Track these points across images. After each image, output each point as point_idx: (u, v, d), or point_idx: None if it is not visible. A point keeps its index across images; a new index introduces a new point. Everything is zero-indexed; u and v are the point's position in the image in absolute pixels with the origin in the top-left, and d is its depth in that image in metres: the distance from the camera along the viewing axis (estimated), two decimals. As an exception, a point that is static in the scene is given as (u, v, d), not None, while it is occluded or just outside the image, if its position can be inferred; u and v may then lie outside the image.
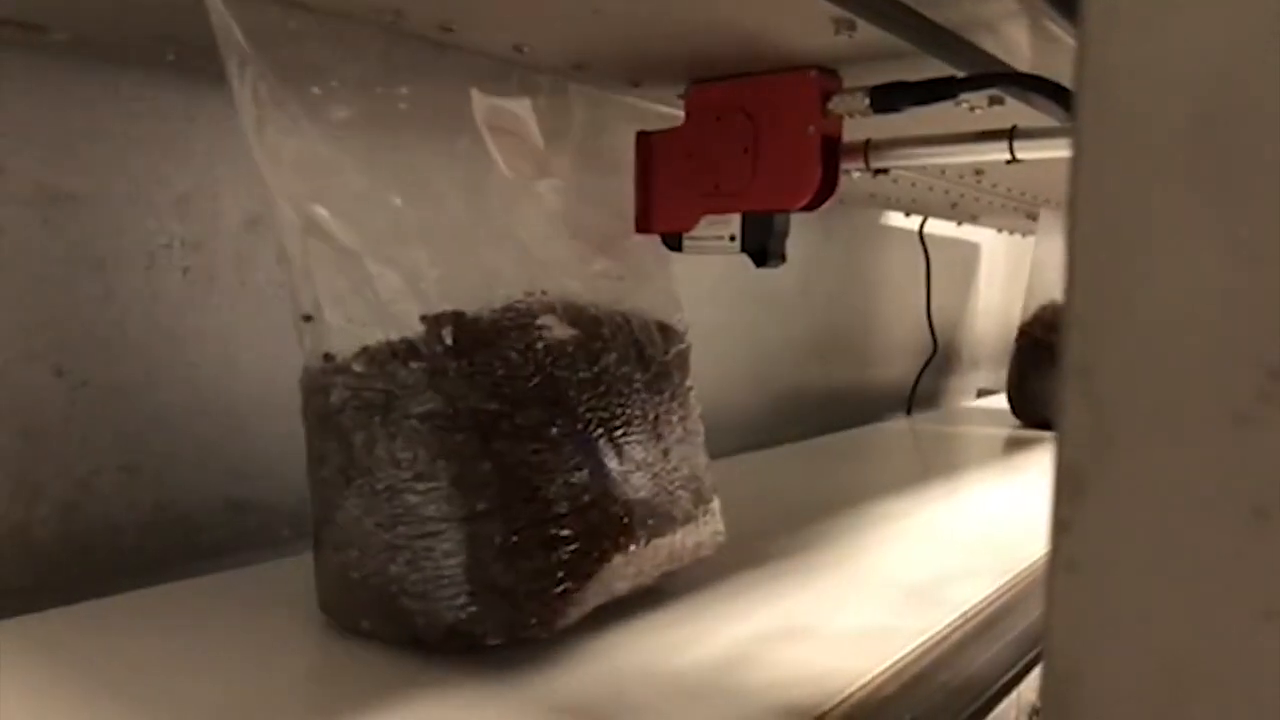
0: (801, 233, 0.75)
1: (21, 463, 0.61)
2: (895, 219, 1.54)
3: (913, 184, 1.13)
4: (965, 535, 0.83)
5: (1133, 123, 0.17)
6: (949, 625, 0.60)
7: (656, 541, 0.57)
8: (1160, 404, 0.17)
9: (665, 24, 0.52)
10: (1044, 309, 1.48)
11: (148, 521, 0.68)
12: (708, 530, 0.63)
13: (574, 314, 0.56)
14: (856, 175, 0.67)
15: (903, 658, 0.55)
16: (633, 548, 0.55)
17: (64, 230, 0.62)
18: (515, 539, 0.49)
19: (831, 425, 1.41)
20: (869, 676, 0.52)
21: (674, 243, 0.67)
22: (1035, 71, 0.55)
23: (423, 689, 0.48)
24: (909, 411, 1.60)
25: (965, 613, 0.62)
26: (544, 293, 0.55)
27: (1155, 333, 0.17)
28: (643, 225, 0.68)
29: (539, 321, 0.53)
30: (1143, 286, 0.17)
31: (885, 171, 0.67)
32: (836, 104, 0.58)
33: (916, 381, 1.62)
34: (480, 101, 0.56)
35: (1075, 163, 0.18)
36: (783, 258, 0.64)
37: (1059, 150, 0.61)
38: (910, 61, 0.55)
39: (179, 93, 0.67)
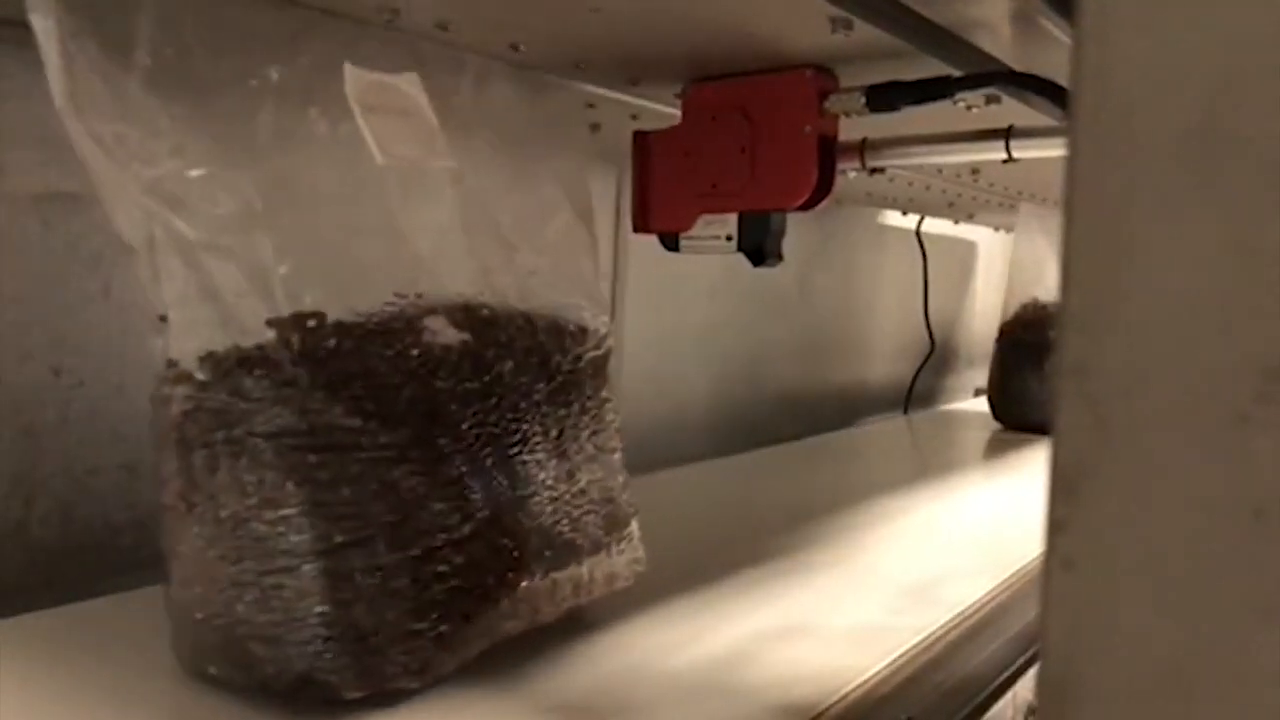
0: (798, 232, 0.75)
1: (19, 462, 0.61)
2: (892, 218, 1.54)
3: (909, 183, 1.13)
4: (962, 534, 0.83)
5: (1129, 122, 0.17)
6: (946, 624, 0.60)
7: (556, 575, 0.51)
8: (1157, 404, 0.17)
9: (663, 23, 0.52)
10: (1025, 308, 1.44)
11: (146, 521, 0.68)
12: (623, 560, 0.56)
13: (464, 316, 0.49)
14: (853, 174, 0.67)
15: (899, 657, 0.55)
16: (526, 583, 0.49)
17: (61, 227, 0.62)
18: (380, 575, 0.43)
19: (829, 424, 1.41)
20: (866, 675, 0.52)
21: (671, 242, 0.67)
22: (1032, 70, 0.56)
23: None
24: (906, 410, 1.60)
25: (962, 612, 0.62)
26: (419, 295, 0.47)
27: (1152, 333, 0.17)
28: (640, 225, 0.68)
29: (424, 324, 0.47)
30: (1139, 286, 0.17)
31: (881, 171, 0.67)
32: (833, 103, 0.58)
33: (914, 380, 1.62)
34: (355, 77, 0.48)
35: (1071, 162, 0.18)
36: (780, 257, 0.64)
37: (1056, 149, 0.61)
38: (907, 61, 0.55)
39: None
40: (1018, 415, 1.40)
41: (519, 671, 0.50)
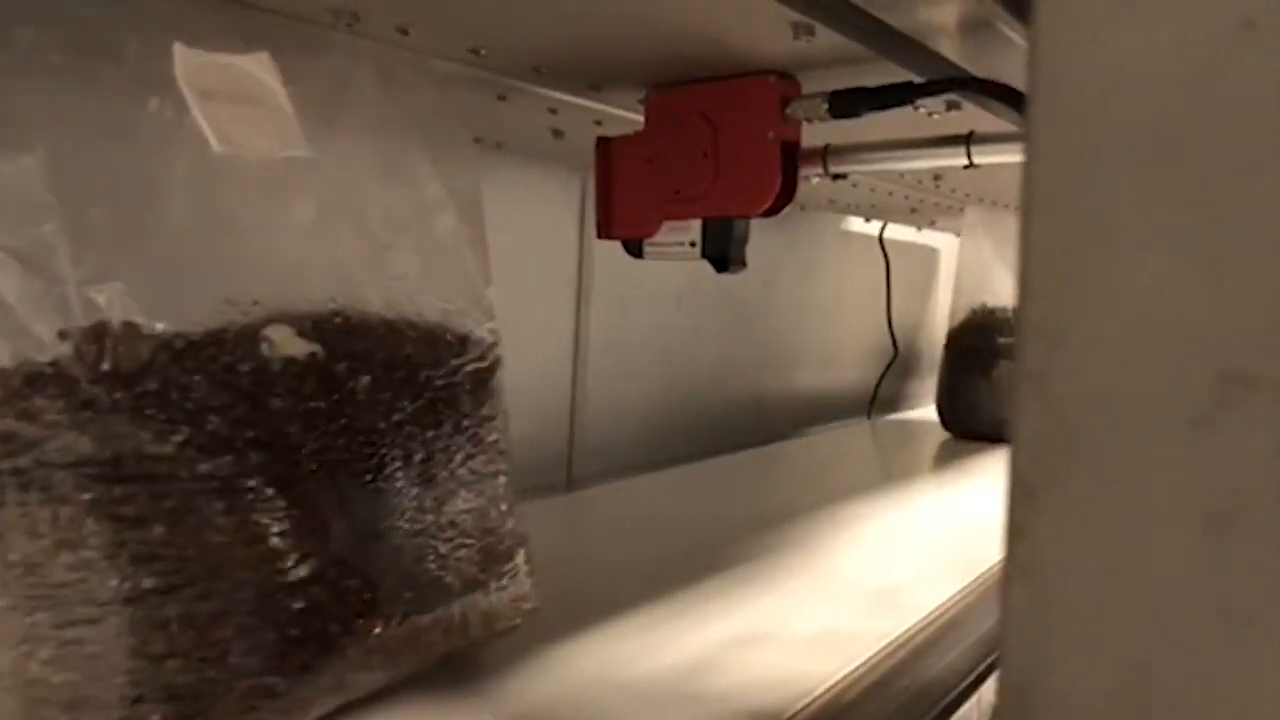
0: (762, 238, 0.75)
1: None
2: (856, 224, 1.55)
3: (872, 189, 1.14)
4: (924, 539, 0.83)
5: (1086, 127, 0.17)
6: (910, 629, 0.60)
7: (419, 620, 0.45)
8: (1116, 409, 0.17)
9: (625, 28, 0.51)
10: (974, 313, 1.39)
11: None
12: (504, 597, 0.50)
13: (313, 325, 0.44)
14: (816, 180, 0.67)
15: (864, 662, 0.55)
16: (379, 630, 0.43)
17: None
18: (199, 626, 0.38)
19: (795, 429, 1.41)
20: (831, 681, 0.52)
21: (635, 249, 0.67)
22: (992, 76, 0.56)
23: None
24: (870, 415, 1.61)
25: (926, 616, 0.63)
26: (256, 302, 0.42)
27: (1111, 338, 0.17)
28: (604, 231, 0.68)
29: (263, 335, 0.41)
30: (1098, 291, 0.17)
31: (844, 176, 0.67)
32: (795, 109, 0.58)
33: (878, 385, 1.63)
34: (188, 58, 0.41)
35: (1028, 167, 0.18)
36: (743, 263, 0.64)
37: (1016, 155, 0.61)
38: (869, 67, 0.55)
39: None
40: (968, 423, 1.36)
41: (480, 680, 0.50)
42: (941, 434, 1.40)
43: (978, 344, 1.36)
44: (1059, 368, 0.17)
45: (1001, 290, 1.37)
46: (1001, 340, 1.33)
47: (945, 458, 1.28)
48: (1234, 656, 0.16)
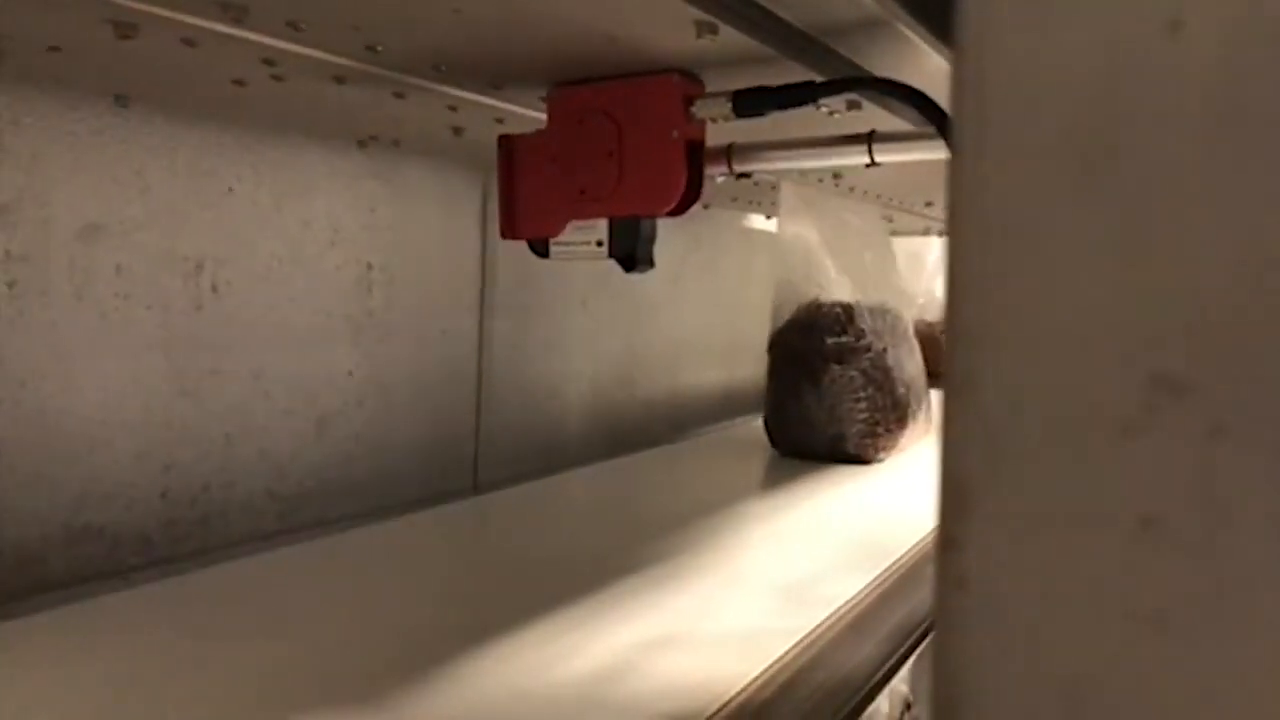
0: (668, 235, 0.75)
1: None
2: (758, 221, 1.56)
3: (773, 186, 1.15)
4: (832, 532, 0.84)
5: (1011, 130, 0.17)
6: (821, 624, 0.61)
7: None
8: (1048, 416, 0.17)
9: (525, 25, 0.50)
10: (802, 311, 1.17)
11: (-25, 557, 0.62)
12: None
13: None
14: (721, 179, 0.67)
15: (779, 659, 0.55)
16: None
17: None
18: None
19: (702, 425, 1.42)
20: (746, 680, 0.52)
21: (541, 249, 0.66)
22: (891, 76, 0.56)
23: None
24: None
25: (837, 610, 0.63)
26: None
27: (1040, 344, 0.17)
28: (507, 231, 0.66)
29: None
30: (1026, 297, 0.17)
31: (749, 175, 0.67)
32: (699, 108, 0.58)
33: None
34: None
35: (954, 173, 0.17)
36: (651, 263, 0.64)
37: (916, 153, 0.62)
38: (772, 65, 0.55)
39: (1, 94, 0.62)
40: (797, 440, 1.16)
41: (389, 691, 0.48)
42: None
43: (806, 347, 1.14)
44: (987, 374, 0.17)
45: (828, 283, 1.18)
46: (830, 341, 1.13)
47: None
48: (1167, 663, 0.16)
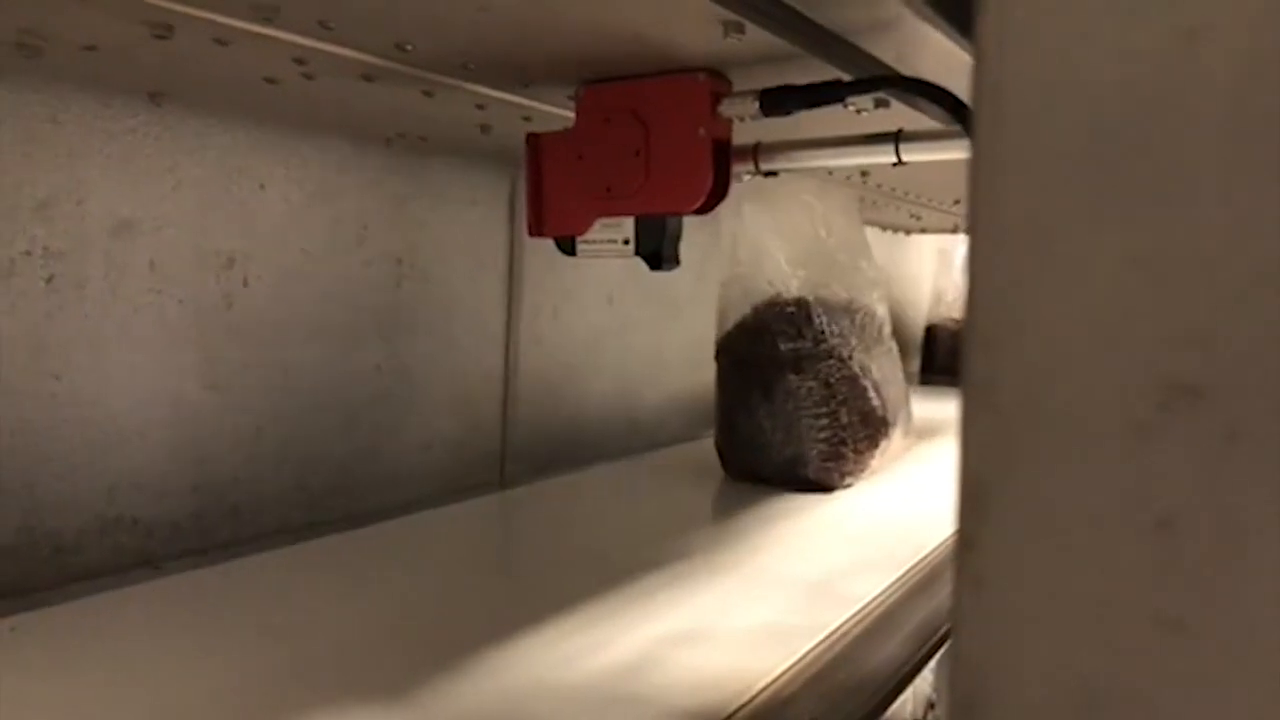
0: (693, 232, 0.75)
1: None
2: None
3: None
4: (855, 530, 0.84)
5: (1029, 135, 0.17)
6: (845, 621, 0.61)
7: None
8: (1063, 417, 0.17)
9: (554, 24, 0.51)
10: (756, 311, 0.99)
11: (11, 545, 0.64)
12: None
13: None
14: (747, 178, 0.68)
15: (802, 656, 0.55)
16: None
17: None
18: None
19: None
20: (771, 676, 0.52)
21: (568, 246, 0.66)
22: (919, 75, 0.56)
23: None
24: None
25: (861, 608, 0.63)
26: None
27: (1056, 346, 0.17)
28: (535, 229, 0.67)
29: None
30: (1043, 299, 0.17)
31: (775, 174, 0.67)
32: (726, 107, 0.58)
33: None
34: None
35: (973, 176, 0.17)
36: (677, 261, 0.64)
37: (944, 153, 0.62)
38: (798, 64, 0.55)
39: (38, 92, 0.63)
40: (748, 462, 0.98)
41: (417, 683, 0.49)
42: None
43: (756, 354, 0.97)
44: (1005, 376, 0.17)
45: (781, 278, 0.98)
46: (785, 347, 0.96)
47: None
48: (1183, 665, 0.16)
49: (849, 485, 0.98)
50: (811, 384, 0.95)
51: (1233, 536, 0.16)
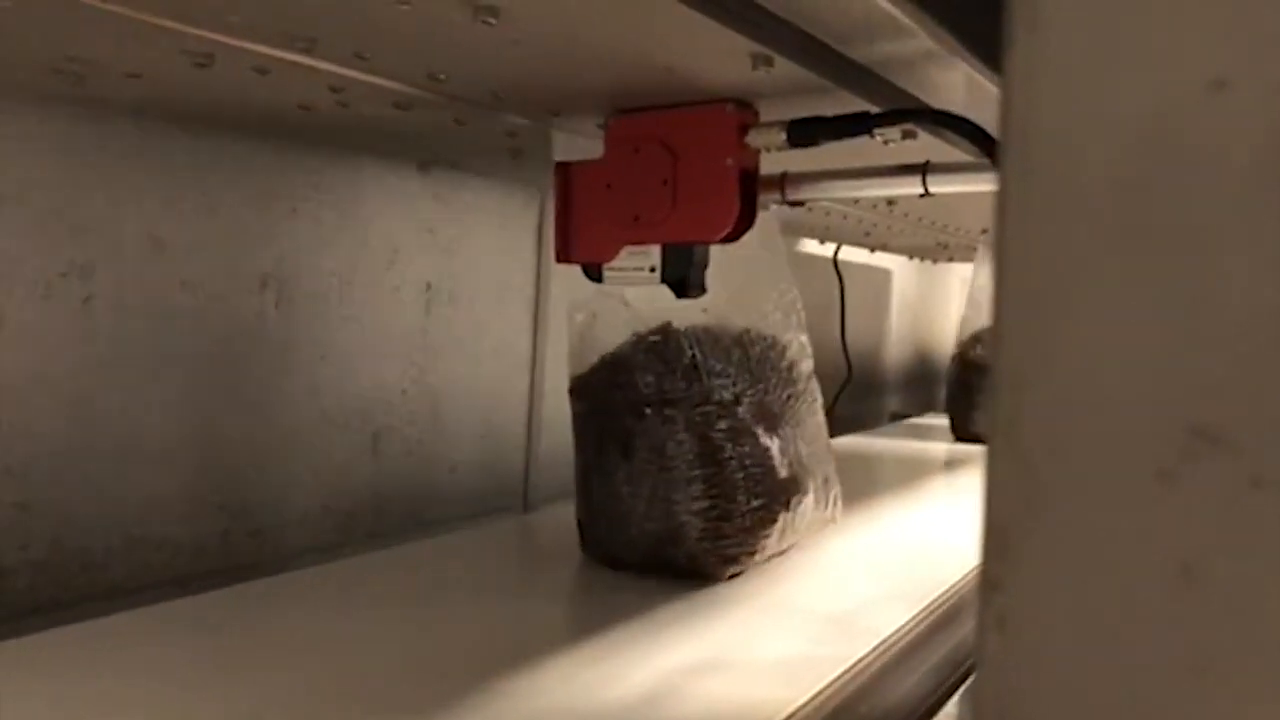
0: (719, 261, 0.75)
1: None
2: (810, 245, 1.56)
3: (827, 213, 1.15)
4: (878, 562, 0.83)
5: (1057, 178, 0.17)
6: (868, 654, 0.60)
7: None
8: (1087, 461, 0.17)
9: (584, 56, 0.51)
10: (623, 343, 0.83)
11: (42, 561, 0.65)
12: None
13: None
14: (774, 207, 0.68)
15: (824, 688, 0.55)
16: None
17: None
18: None
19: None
20: (792, 708, 0.52)
21: (595, 273, 0.67)
22: (947, 108, 0.57)
23: None
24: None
25: (883, 640, 0.63)
26: None
27: (1081, 389, 0.17)
28: (562, 255, 0.67)
29: None
30: (1069, 342, 0.17)
31: (802, 203, 0.67)
32: (754, 137, 0.58)
33: (832, 407, 1.64)
34: None
35: (1000, 217, 0.18)
36: (703, 288, 0.64)
37: (971, 185, 0.62)
38: (826, 95, 0.55)
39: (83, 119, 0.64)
40: (607, 538, 0.73)
41: (439, 706, 0.49)
42: (895, 457, 1.40)
43: (612, 399, 0.74)
44: (1029, 418, 0.18)
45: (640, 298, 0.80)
46: (647, 389, 0.82)
47: (902, 480, 1.29)
48: (1204, 711, 0.16)
49: (737, 574, 0.72)
50: (683, 437, 0.70)
51: (1256, 583, 0.16)
